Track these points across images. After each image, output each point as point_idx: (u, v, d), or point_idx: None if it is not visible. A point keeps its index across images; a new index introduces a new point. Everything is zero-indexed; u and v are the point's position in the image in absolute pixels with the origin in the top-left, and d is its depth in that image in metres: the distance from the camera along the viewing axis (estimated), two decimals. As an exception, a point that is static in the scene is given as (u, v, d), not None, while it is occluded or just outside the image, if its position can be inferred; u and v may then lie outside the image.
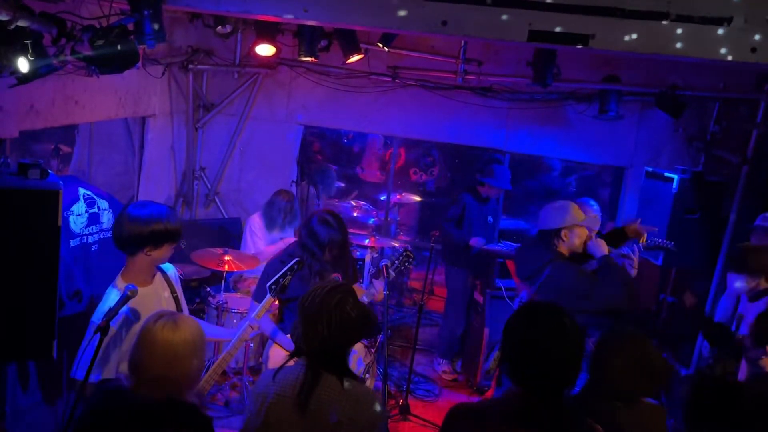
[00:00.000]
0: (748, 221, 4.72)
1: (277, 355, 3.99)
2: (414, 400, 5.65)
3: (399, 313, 7.66)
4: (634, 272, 4.93)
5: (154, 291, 3.17)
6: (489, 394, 5.47)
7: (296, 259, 3.71)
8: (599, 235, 4.32)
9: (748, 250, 4.01)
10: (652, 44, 3.44)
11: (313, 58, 5.64)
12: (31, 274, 3.09)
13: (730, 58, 3.41)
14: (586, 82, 5.96)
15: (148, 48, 3.92)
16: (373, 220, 7.86)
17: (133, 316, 3.02)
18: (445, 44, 6.19)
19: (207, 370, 3.32)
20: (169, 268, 3.36)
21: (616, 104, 5.78)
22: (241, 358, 5.24)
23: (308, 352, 2.43)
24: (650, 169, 5.54)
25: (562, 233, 4.04)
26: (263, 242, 5.80)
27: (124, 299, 2.82)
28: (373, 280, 4.17)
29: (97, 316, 2.97)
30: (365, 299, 3.94)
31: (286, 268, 3.64)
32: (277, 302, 4.07)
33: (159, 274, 3.26)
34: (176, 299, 3.29)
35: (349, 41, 5.62)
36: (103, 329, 2.70)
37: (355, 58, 5.74)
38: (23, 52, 3.07)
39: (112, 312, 2.77)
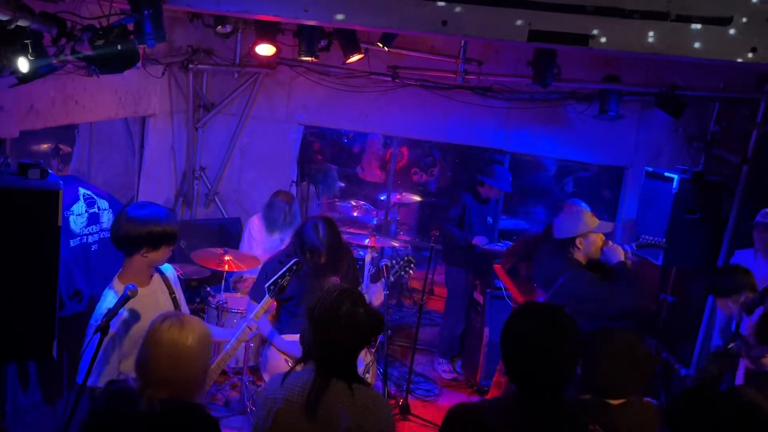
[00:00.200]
0: (748, 221, 4.72)
1: (276, 358, 3.99)
2: (414, 399, 5.65)
3: (399, 312, 7.66)
4: None
5: (151, 292, 3.17)
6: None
7: (295, 259, 3.71)
8: None
9: (725, 272, 4.04)
10: (651, 44, 3.44)
11: (313, 58, 5.63)
12: (31, 274, 3.09)
13: (730, 58, 3.41)
14: (586, 81, 5.95)
15: (148, 48, 3.93)
16: (373, 220, 7.86)
17: (131, 316, 3.02)
18: (445, 44, 6.19)
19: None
20: (168, 269, 3.36)
21: (616, 104, 5.78)
22: (241, 358, 5.25)
23: (318, 358, 2.43)
24: (650, 169, 5.54)
25: (577, 242, 4.12)
26: (261, 246, 5.79)
27: (124, 299, 2.82)
28: (371, 285, 4.17)
29: (95, 319, 2.97)
30: None
31: (284, 269, 3.64)
32: (274, 302, 4.07)
33: (157, 275, 3.26)
34: (174, 300, 3.29)
35: (349, 41, 5.61)
36: (103, 329, 2.70)
37: (355, 57, 5.74)
38: (23, 51, 3.07)
39: (112, 312, 2.77)
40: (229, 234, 6.56)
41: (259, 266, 4.47)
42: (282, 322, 4.03)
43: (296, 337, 3.88)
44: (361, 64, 6.11)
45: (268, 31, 5.75)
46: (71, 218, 4.14)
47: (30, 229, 3.06)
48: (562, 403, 2.15)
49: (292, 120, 6.82)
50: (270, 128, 6.85)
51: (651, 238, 4.68)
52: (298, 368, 2.49)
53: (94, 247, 4.30)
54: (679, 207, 5.10)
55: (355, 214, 7.79)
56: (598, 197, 8.04)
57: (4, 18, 2.91)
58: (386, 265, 4.56)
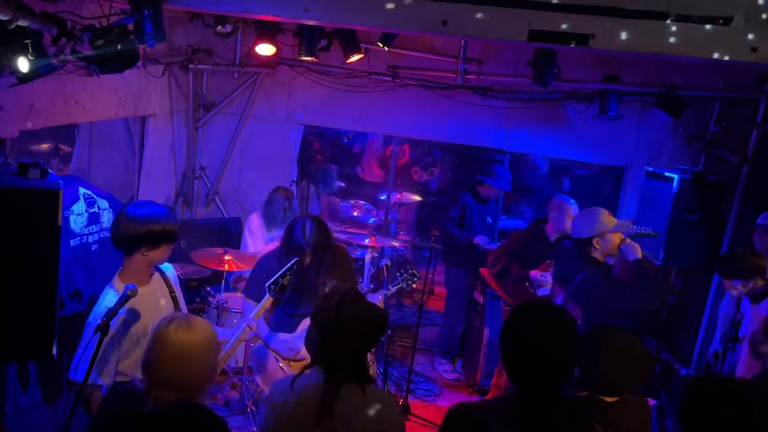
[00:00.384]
0: (748, 221, 4.72)
1: (266, 358, 3.99)
2: (414, 399, 5.65)
3: (399, 312, 7.66)
4: None
5: (151, 291, 3.17)
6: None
7: (296, 258, 3.71)
8: None
9: (740, 254, 4.03)
10: (652, 44, 3.44)
11: (313, 58, 5.63)
12: (31, 274, 3.09)
13: (730, 58, 3.41)
14: (586, 81, 5.95)
15: (148, 48, 3.93)
16: (373, 219, 7.86)
17: (131, 316, 3.02)
18: (445, 44, 6.19)
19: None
20: (168, 268, 3.36)
21: (616, 104, 5.78)
22: (241, 358, 5.25)
23: (328, 362, 2.42)
24: (650, 169, 5.53)
25: (594, 241, 4.18)
26: (262, 242, 5.79)
27: (125, 299, 2.82)
28: (369, 295, 4.18)
29: (94, 317, 2.97)
30: None
31: (285, 268, 3.63)
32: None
33: (157, 275, 3.25)
34: (174, 299, 3.29)
35: (350, 41, 5.61)
36: (104, 329, 2.70)
37: (355, 57, 5.74)
38: (23, 51, 3.07)
39: (112, 312, 2.77)
40: (229, 234, 6.56)
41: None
42: (270, 322, 4.03)
43: (285, 336, 3.92)
44: (361, 64, 6.11)
45: (268, 31, 5.75)
46: (71, 218, 4.13)
47: (30, 229, 3.06)
48: (562, 402, 2.15)
49: (292, 120, 6.82)
50: (270, 128, 6.85)
51: (643, 228, 4.71)
52: (306, 371, 2.49)
53: (94, 247, 4.30)
54: (679, 207, 5.09)
55: (355, 213, 7.79)
56: (597, 196, 8.04)
57: (4, 18, 2.91)
58: (386, 265, 4.57)
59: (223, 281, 5.36)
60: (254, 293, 4.10)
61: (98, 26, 3.39)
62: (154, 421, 2.20)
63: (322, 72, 6.51)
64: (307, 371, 2.47)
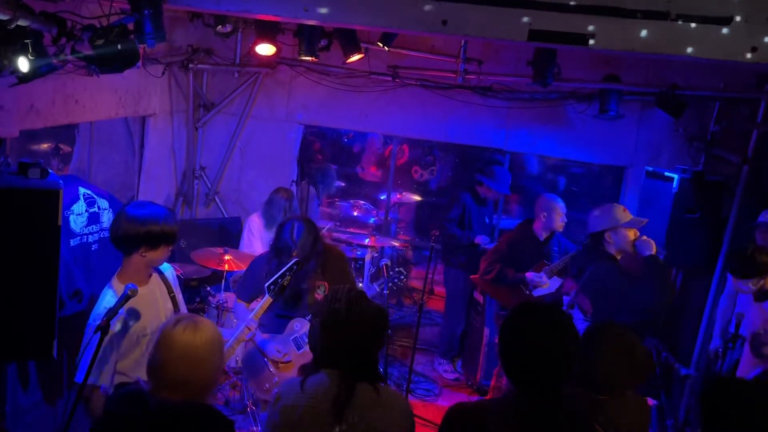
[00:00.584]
0: (748, 221, 4.72)
1: (257, 359, 4.00)
2: (414, 399, 5.65)
3: (399, 312, 7.67)
4: None
5: (150, 291, 3.17)
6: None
7: (295, 259, 3.71)
8: None
9: (751, 252, 4.02)
10: (652, 44, 3.44)
11: (313, 58, 5.63)
12: (31, 274, 3.09)
13: (729, 57, 3.41)
14: (586, 81, 5.95)
15: (149, 47, 3.92)
16: (373, 219, 7.86)
17: (130, 316, 3.02)
18: (445, 44, 6.19)
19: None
20: (167, 269, 3.36)
21: (616, 104, 5.78)
22: (242, 358, 5.24)
23: (340, 363, 2.41)
24: (650, 169, 5.53)
25: (606, 235, 4.25)
26: (261, 243, 5.79)
27: (125, 299, 2.81)
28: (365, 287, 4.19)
29: (93, 318, 2.97)
30: None
31: (285, 269, 3.63)
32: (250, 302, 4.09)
33: (156, 275, 3.25)
34: (174, 299, 3.29)
35: (350, 40, 5.61)
36: (104, 329, 2.70)
37: (355, 57, 5.74)
38: (23, 51, 3.07)
39: (113, 311, 2.77)
40: (229, 233, 6.57)
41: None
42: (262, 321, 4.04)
43: (273, 337, 3.92)
44: (361, 63, 6.11)
45: (268, 31, 5.75)
46: (71, 218, 4.14)
47: (30, 228, 3.06)
48: (561, 402, 2.15)
49: (292, 120, 6.82)
50: (270, 128, 6.85)
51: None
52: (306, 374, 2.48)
53: (94, 247, 4.31)
54: (679, 207, 5.09)
55: (355, 213, 7.79)
56: (598, 197, 8.04)
57: (5, 17, 2.91)
58: (386, 265, 4.57)
59: (223, 281, 5.37)
60: (245, 294, 4.11)
61: (98, 26, 3.39)
62: (164, 423, 2.19)
63: (322, 72, 6.51)
64: (315, 373, 2.44)
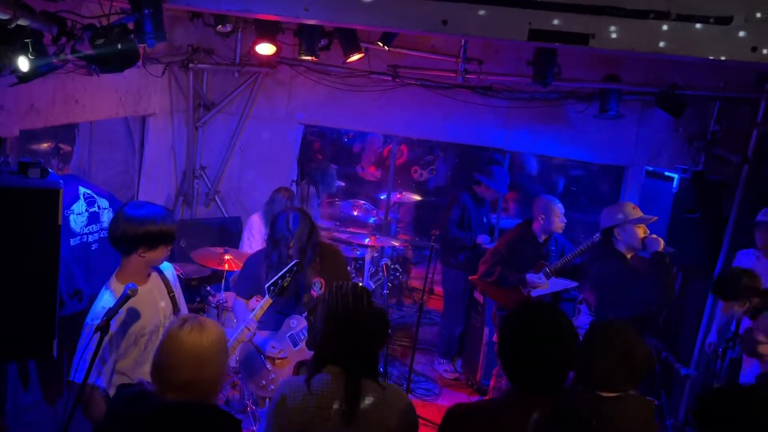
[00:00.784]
0: (748, 220, 4.72)
1: (254, 358, 4.00)
2: (414, 399, 5.65)
3: (399, 312, 7.67)
4: None
5: (148, 291, 3.16)
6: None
7: (295, 260, 3.70)
8: None
9: (732, 276, 4.04)
10: (652, 44, 3.44)
11: (313, 57, 5.64)
12: (31, 273, 3.09)
13: (730, 57, 3.41)
14: (586, 81, 5.95)
15: (149, 47, 3.91)
16: (373, 219, 7.86)
17: (129, 316, 3.01)
18: (445, 43, 6.19)
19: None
20: (167, 268, 3.35)
21: (616, 103, 5.78)
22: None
23: (346, 360, 2.41)
24: (651, 169, 5.54)
25: (615, 232, 4.32)
26: (261, 243, 5.79)
27: (125, 298, 2.81)
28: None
29: (91, 318, 2.96)
30: None
31: (285, 270, 3.63)
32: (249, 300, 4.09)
33: (155, 274, 3.25)
34: (173, 299, 3.28)
35: (350, 40, 5.61)
36: (104, 329, 2.69)
37: (355, 57, 5.74)
38: (23, 50, 3.07)
39: (113, 311, 2.77)
40: (229, 233, 6.57)
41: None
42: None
43: (270, 334, 3.91)
44: (361, 63, 6.10)
45: (268, 31, 5.75)
46: (71, 217, 4.13)
47: (30, 228, 3.06)
48: (561, 402, 2.15)
49: (292, 119, 6.82)
50: (270, 127, 6.85)
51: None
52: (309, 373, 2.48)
53: (94, 246, 4.30)
54: (680, 206, 5.10)
55: (355, 213, 7.79)
56: (597, 195, 8.05)
57: (5, 17, 2.91)
58: (386, 264, 4.57)
59: (223, 281, 5.37)
60: (242, 290, 4.11)
61: (98, 25, 3.39)
62: (173, 424, 2.18)
63: (322, 71, 6.51)
64: (318, 372, 2.43)
